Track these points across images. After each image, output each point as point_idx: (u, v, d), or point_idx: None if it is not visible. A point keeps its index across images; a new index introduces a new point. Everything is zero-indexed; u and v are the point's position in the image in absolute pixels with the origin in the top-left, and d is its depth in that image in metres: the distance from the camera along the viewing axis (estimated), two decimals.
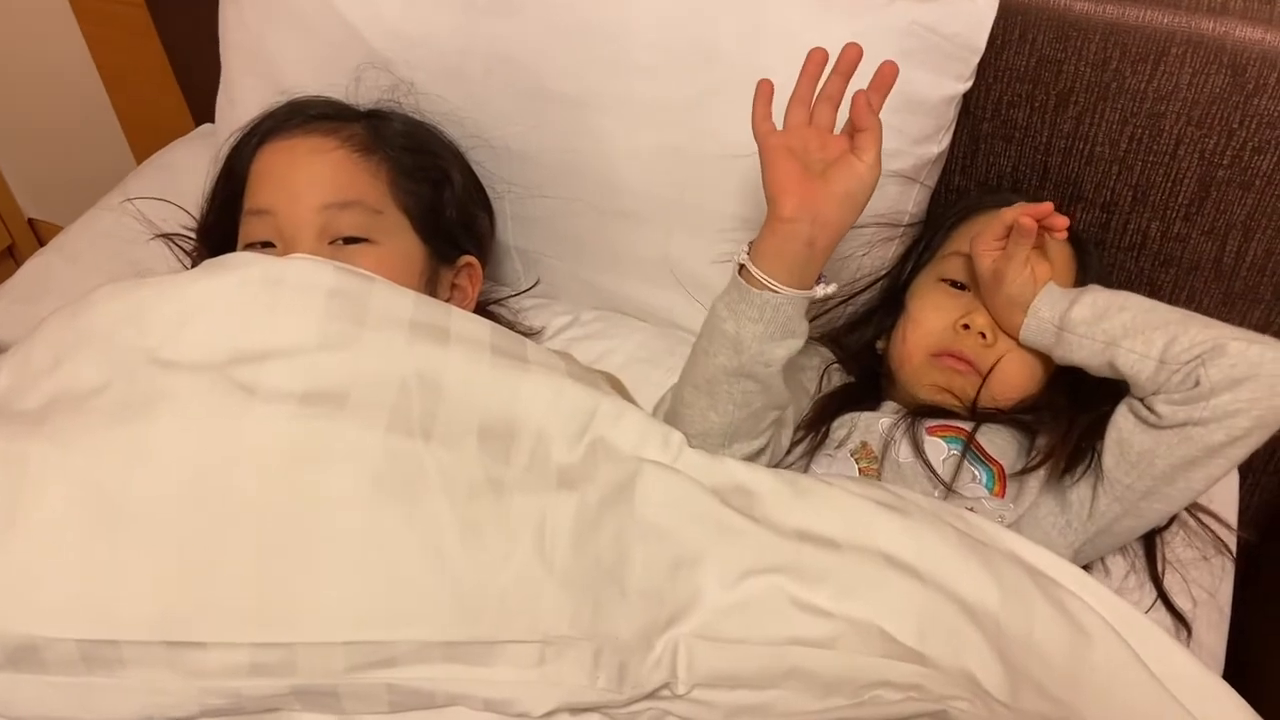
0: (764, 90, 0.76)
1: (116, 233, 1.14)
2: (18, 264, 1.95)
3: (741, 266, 0.78)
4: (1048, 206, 0.83)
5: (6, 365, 0.74)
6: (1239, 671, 0.87)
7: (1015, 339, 0.86)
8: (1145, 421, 0.78)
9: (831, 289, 0.79)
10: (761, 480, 0.73)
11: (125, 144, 1.67)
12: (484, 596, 0.63)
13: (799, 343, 0.79)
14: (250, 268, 0.73)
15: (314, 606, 0.62)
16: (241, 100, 1.08)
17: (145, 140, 1.63)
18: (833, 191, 0.74)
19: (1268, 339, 0.75)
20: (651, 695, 0.65)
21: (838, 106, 0.76)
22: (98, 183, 1.67)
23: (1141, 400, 0.79)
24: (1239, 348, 0.74)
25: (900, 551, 0.69)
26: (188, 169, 1.24)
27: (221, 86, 1.12)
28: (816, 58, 0.75)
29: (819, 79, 0.76)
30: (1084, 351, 0.81)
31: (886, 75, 0.74)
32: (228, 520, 0.63)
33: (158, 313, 0.71)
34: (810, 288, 0.78)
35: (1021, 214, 0.83)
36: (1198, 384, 0.74)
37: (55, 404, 0.69)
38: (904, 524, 0.71)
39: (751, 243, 0.77)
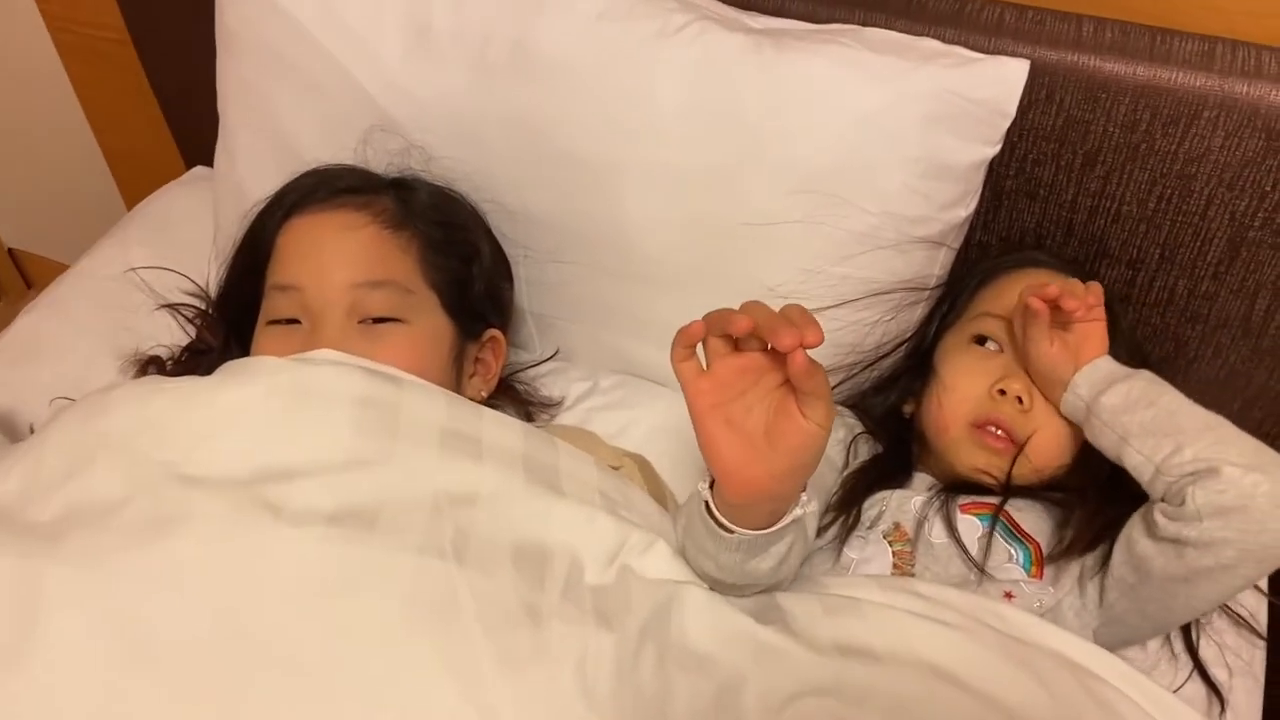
0: (687, 332, 0.62)
1: (111, 292, 1.10)
2: None
3: (706, 502, 0.68)
4: (1055, 290, 0.81)
5: (16, 468, 0.71)
6: None
7: (1052, 401, 0.85)
8: (1147, 526, 0.77)
9: (812, 507, 0.69)
10: (791, 600, 0.72)
11: (111, 178, 1.62)
12: None
13: (787, 542, 0.69)
14: (277, 376, 0.71)
15: None
16: (242, 155, 1.05)
17: (132, 176, 1.59)
18: (778, 469, 0.63)
19: (1274, 464, 0.72)
20: None
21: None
22: (82, 215, 1.65)
23: (1151, 505, 0.77)
24: (1233, 474, 0.71)
25: (943, 661, 0.68)
26: (183, 218, 1.21)
27: (220, 140, 1.08)
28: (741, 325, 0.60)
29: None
30: (1105, 440, 0.80)
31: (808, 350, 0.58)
32: (253, 657, 0.60)
33: (180, 423, 0.69)
34: (783, 518, 0.67)
35: (1029, 296, 0.82)
36: (1183, 503, 0.73)
37: (71, 518, 0.66)
38: (942, 632, 0.70)
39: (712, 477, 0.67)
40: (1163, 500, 0.75)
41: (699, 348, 0.64)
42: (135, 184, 1.58)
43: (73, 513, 0.66)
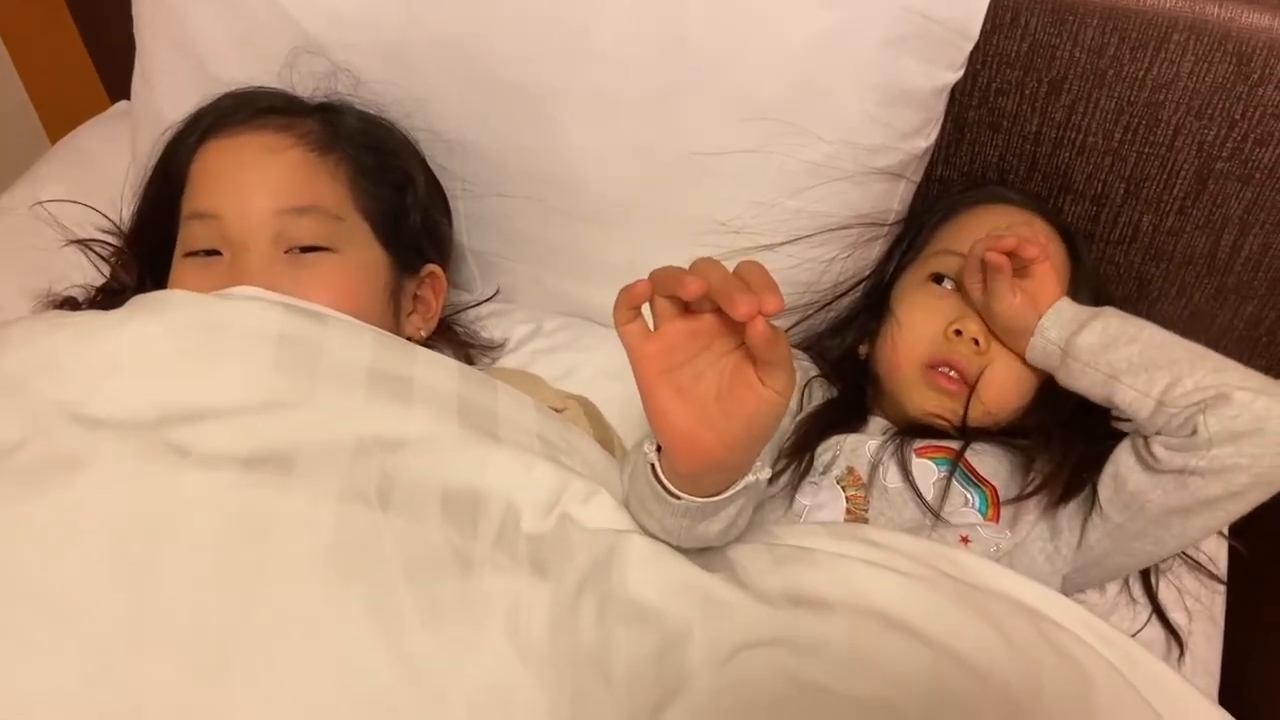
0: (631, 292, 0.56)
1: (24, 232, 1.03)
2: None
3: (653, 465, 0.63)
4: (1012, 241, 0.78)
5: None
6: (1235, 680, 0.86)
7: (1015, 352, 0.82)
8: (1143, 461, 0.75)
9: (766, 473, 0.64)
10: (740, 550, 0.68)
11: (36, 118, 1.53)
12: (451, 693, 0.56)
13: (738, 505, 0.65)
14: (187, 310, 0.65)
15: (258, 715, 0.55)
16: (160, 83, 0.98)
17: (58, 115, 1.51)
18: (730, 437, 0.57)
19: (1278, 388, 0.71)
20: None
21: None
22: (6, 160, 1.55)
23: (1144, 439, 0.75)
24: (1244, 399, 0.69)
25: (897, 609, 0.64)
26: (103, 154, 1.14)
27: (137, 67, 1.01)
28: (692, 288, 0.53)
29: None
30: (1086, 380, 0.77)
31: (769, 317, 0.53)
32: (160, 609, 0.55)
33: (79, 361, 0.63)
34: (734, 485, 0.63)
35: (988, 250, 0.78)
36: (1195, 432, 0.70)
37: None
38: (896, 580, 0.66)
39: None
40: (1159, 433, 0.73)
41: (645, 308, 0.58)
42: (63, 124, 1.50)
43: None
